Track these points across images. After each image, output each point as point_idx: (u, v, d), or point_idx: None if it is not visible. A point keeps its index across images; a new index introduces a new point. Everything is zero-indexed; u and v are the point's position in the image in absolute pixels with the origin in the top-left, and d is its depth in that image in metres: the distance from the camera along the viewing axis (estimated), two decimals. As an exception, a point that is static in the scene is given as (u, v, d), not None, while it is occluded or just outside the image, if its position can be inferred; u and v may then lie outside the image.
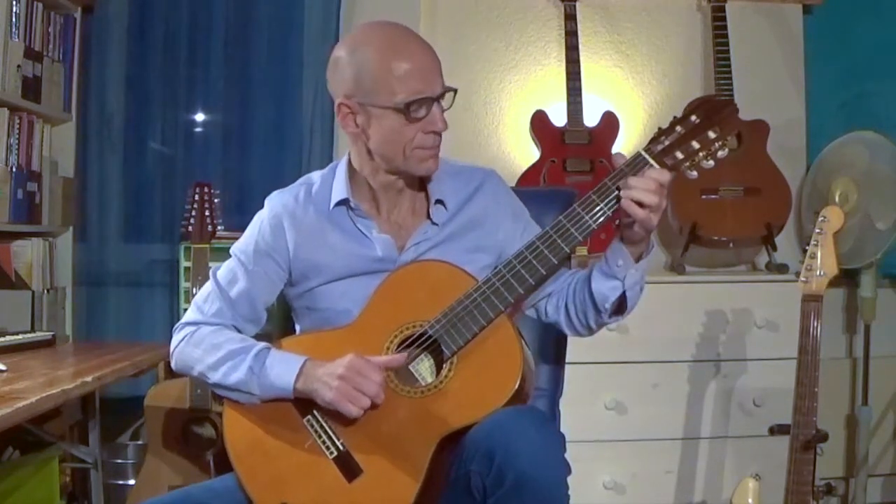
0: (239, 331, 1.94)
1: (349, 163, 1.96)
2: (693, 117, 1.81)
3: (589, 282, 1.89)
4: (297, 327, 2.02)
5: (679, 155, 1.80)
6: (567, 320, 1.97)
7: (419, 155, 1.86)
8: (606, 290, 1.86)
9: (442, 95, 1.85)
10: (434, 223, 1.93)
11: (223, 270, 1.97)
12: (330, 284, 1.92)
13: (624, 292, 1.86)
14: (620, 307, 1.89)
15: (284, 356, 1.84)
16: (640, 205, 1.74)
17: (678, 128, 1.81)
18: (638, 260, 1.85)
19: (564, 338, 2.18)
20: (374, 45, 1.82)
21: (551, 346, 2.16)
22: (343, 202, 1.93)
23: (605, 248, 1.87)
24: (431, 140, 1.86)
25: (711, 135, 1.80)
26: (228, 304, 1.93)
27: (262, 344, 1.87)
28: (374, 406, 1.77)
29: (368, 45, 1.83)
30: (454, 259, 1.87)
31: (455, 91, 1.87)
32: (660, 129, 1.82)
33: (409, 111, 1.81)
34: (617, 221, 1.82)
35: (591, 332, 1.98)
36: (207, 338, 1.90)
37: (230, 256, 1.98)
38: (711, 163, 1.81)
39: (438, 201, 1.94)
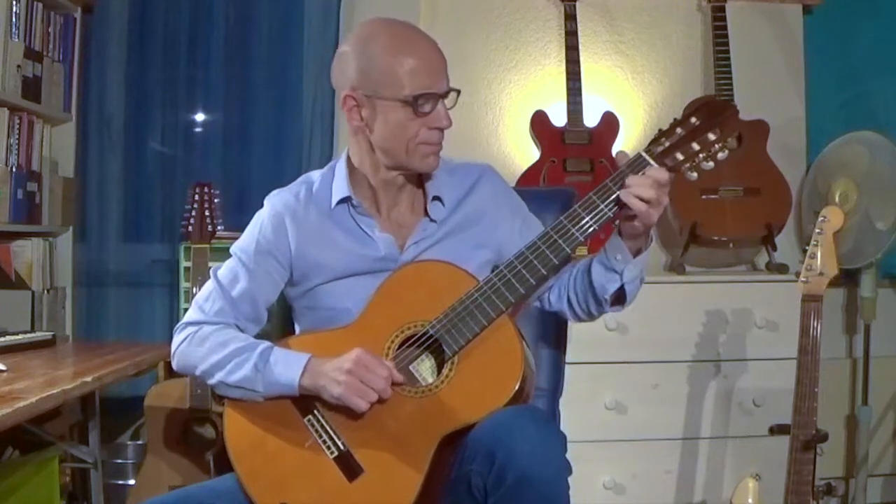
0: (241, 330, 1.94)
1: (348, 160, 1.96)
2: (693, 119, 1.82)
3: (589, 272, 1.90)
4: (297, 327, 2.02)
5: (679, 156, 1.81)
6: (570, 309, 1.98)
7: (422, 150, 1.86)
8: (605, 281, 1.88)
9: (447, 94, 1.86)
10: (432, 220, 1.93)
11: (224, 270, 1.96)
12: (331, 283, 1.92)
13: (623, 285, 1.87)
14: (620, 298, 1.91)
15: (288, 354, 1.84)
16: (640, 199, 1.76)
17: (678, 129, 1.82)
18: (637, 254, 1.86)
19: (565, 337, 2.18)
20: (382, 40, 1.83)
21: (551, 346, 2.16)
22: (345, 200, 1.93)
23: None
24: (436, 136, 1.86)
25: (711, 137, 1.81)
26: (230, 304, 1.93)
27: (267, 343, 1.88)
28: (380, 401, 1.77)
29: (376, 39, 1.84)
30: (455, 256, 1.87)
31: (458, 92, 1.87)
32: (660, 130, 1.83)
33: (416, 105, 1.82)
34: (617, 222, 1.83)
35: (592, 318, 2.00)
36: (211, 336, 1.90)
37: (231, 256, 1.98)
38: (711, 164, 1.82)
39: (436, 198, 1.94)
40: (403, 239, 1.93)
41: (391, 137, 1.86)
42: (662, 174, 1.77)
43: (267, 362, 1.83)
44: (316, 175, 2.00)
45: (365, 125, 1.87)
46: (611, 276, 1.86)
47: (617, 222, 1.83)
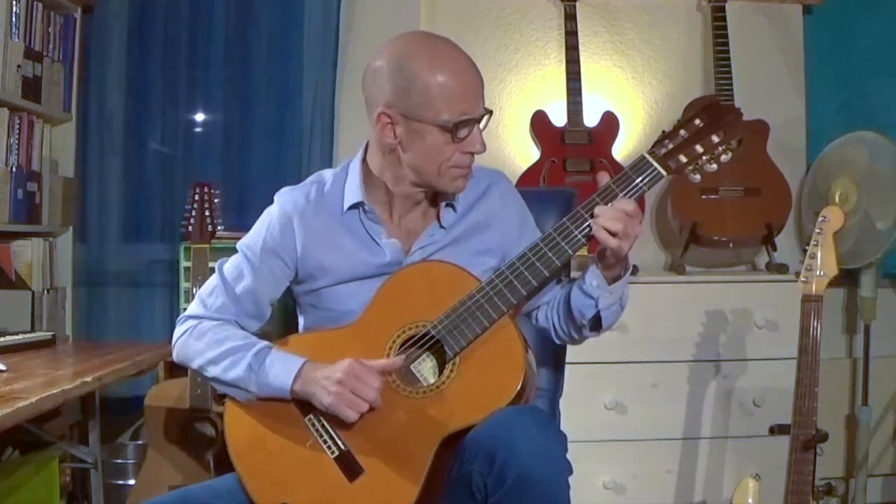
0: (242, 326, 1.94)
1: (363, 163, 1.94)
2: (697, 121, 1.82)
3: (569, 296, 1.91)
4: (301, 320, 2.02)
5: (682, 158, 1.82)
6: (553, 330, 2.00)
7: (453, 173, 1.85)
8: (583, 307, 1.89)
9: (482, 117, 1.84)
10: (441, 226, 1.93)
11: (230, 265, 1.96)
12: (336, 287, 1.92)
13: (598, 312, 1.87)
14: (599, 323, 1.91)
15: (284, 357, 1.84)
16: (609, 232, 1.76)
17: (682, 131, 1.82)
18: (614, 281, 1.86)
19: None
20: (422, 59, 1.79)
21: (551, 346, 2.16)
22: (357, 205, 1.92)
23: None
24: (468, 160, 1.85)
25: (715, 139, 1.82)
26: (233, 300, 1.93)
27: (264, 343, 1.88)
28: (371, 409, 1.77)
29: (415, 57, 1.80)
30: (460, 262, 1.87)
31: (491, 113, 1.85)
32: (663, 132, 1.83)
33: (456, 131, 1.80)
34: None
35: (575, 342, 2.02)
36: (209, 332, 1.91)
37: (237, 251, 1.98)
38: (714, 166, 1.83)
39: (448, 204, 1.93)
40: (410, 244, 1.92)
41: (425, 159, 1.83)
42: (629, 205, 1.78)
43: (262, 364, 1.83)
44: (328, 174, 1.99)
45: (398, 143, 1.84)
46: (588, 301, 1.87)
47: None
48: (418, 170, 1.85)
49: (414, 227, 1.94)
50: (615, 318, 1.92)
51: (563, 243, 1.81)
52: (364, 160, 1.94)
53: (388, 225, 1.93)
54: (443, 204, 1.93)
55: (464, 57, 1.83)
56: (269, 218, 1.96)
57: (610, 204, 1.78)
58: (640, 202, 3.31)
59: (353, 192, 1.92)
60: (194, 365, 1.92)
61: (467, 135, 1.81)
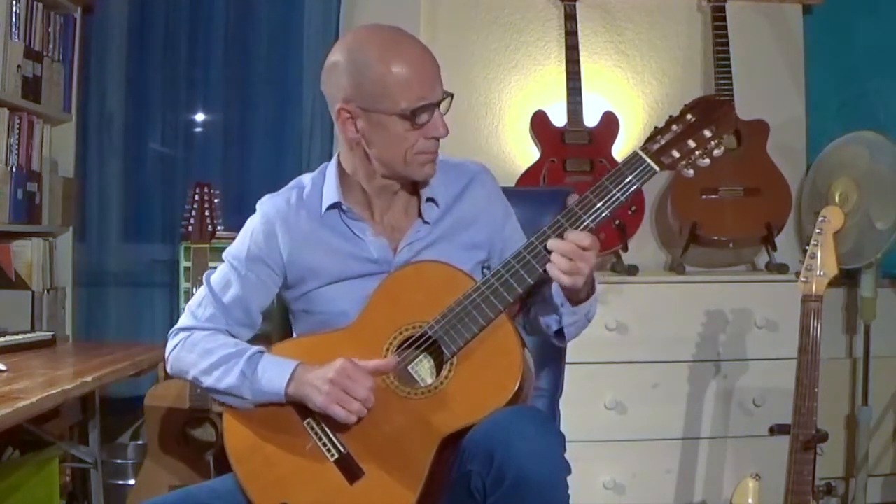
0: (233, 335, 1.94)
1: (339, 165, 1.95)
2: (689, 116, 1.82)
3: (538, 305, 1.92)
4: (295, 331, 2.02)
5: (675, 154, 1.81)
6: (524, 330, 2.00)
7: (420, 160, 1.85)
8: (548, 319, 1.90)
9: (442, 101, 1.84)
10: (426, 222, 1.93)
11: (217, 276, 1.96)
12: (326, 287, 1.92)
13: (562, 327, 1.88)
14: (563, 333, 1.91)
15: (276, 361, 1.84)
16: (561, 270, 1.75)
17: (674, 127, 1.82)
18: (578, 303, 1.85)
19: (564, 338, 2.18)
20: (374, 50, 1.80)
21: (551, 347, 2.15)
22: (335, 206, 1.92)
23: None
24: (433, 145, 1.85)
25: (707, 133, 1.81)
26: (222, 310, 1.93)
27: (256, 348, 1.87)
28: (366, 410, 1.77)
29: (367, 49, 1.81)
30: (449, 257, 1.87)
31: (452, 96, 1.85)
32: (656, 127, 1.83)
33: (414, 118, 1.80)
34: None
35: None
36: (201, 343, 1.90)
37: (223, 261, 1.98)
38: (707, 161, 1.83)
39: (430, 199, 1.93)
40: (397, 241, 1.92)
41: (389, 149, 1.84)
42: (584, 239, 1.75)
43: (255, 370, 1.83)
44: (307, 179, 1.99)
45: (361, 137, 1.84)
46: (553, 316, 1.88)
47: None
48: (385, 161, 1.85)
49: (398, 224, 1.94)
50: (578, 332, 1.92)
51: (558, 240, 1.80)
52: (339, 163, 1.94)
53: (372, 223, 1.93)
54: (424, 198, 1.93)
55: (416, 44, 1.84)
56: (252, 226, 1.96)
57: (564, 237, 1.76)
58: (640, 201, 3.35)
59: (330, 193, 1.92)
60: (189, 377, 1.91)
61: (427, 120, 1.82)
